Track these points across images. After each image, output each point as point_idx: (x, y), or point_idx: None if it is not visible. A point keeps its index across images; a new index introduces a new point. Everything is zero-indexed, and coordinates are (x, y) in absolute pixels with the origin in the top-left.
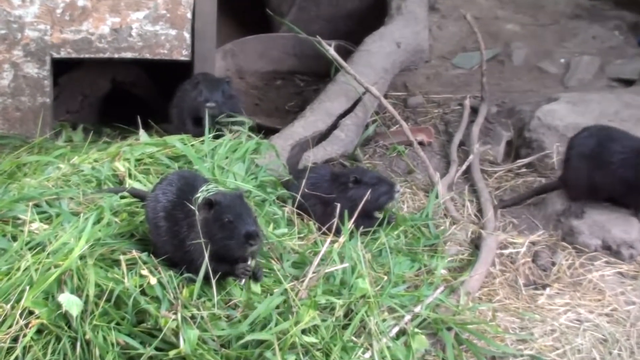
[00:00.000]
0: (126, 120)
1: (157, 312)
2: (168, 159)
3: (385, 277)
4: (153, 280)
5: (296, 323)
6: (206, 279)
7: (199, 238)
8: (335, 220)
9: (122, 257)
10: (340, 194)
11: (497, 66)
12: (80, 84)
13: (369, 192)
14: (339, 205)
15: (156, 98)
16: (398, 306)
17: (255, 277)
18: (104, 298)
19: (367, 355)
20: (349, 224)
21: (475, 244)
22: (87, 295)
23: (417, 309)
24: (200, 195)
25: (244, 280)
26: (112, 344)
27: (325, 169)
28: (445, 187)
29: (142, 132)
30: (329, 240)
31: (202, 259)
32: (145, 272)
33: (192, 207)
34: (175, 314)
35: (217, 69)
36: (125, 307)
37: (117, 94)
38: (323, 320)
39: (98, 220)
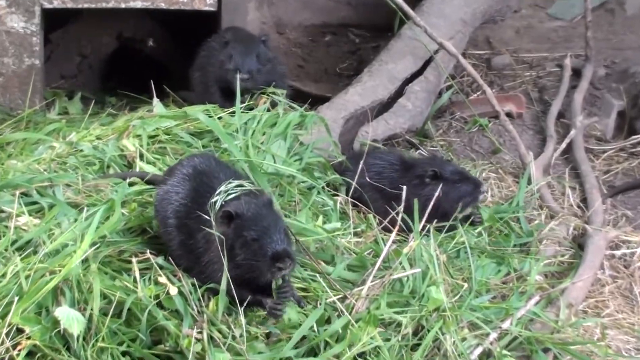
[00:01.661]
0: (136, 87)
1: (178, 330)
2: (189, 136)
3: (465, 285)
4: (173, 290)
5: (351, 345)
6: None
7: (218, 257)
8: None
9: (133, 260)
10: (414, 190)
11: (605, 16)
12: (78, 42)
13: (447, 190)
14: (415, 202)
15: (174, 59)
16: (481, 321)
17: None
18: (112, 312)
19: None
20: (420, 224)
21: (579, 243)
22: (91, 310)
23: (506, 325)
24: (217, 199)
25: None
26: None
27: (394, 155)
28: (540, 171)
29: (156, 101)
30: (392, 236)
31: (222, 280)
32: (162, 279)
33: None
34: (201, 332)
35: (251, 22)
36: (138, 323)
37: (125, 54)
38: (386, 340)
39: (106, 217)
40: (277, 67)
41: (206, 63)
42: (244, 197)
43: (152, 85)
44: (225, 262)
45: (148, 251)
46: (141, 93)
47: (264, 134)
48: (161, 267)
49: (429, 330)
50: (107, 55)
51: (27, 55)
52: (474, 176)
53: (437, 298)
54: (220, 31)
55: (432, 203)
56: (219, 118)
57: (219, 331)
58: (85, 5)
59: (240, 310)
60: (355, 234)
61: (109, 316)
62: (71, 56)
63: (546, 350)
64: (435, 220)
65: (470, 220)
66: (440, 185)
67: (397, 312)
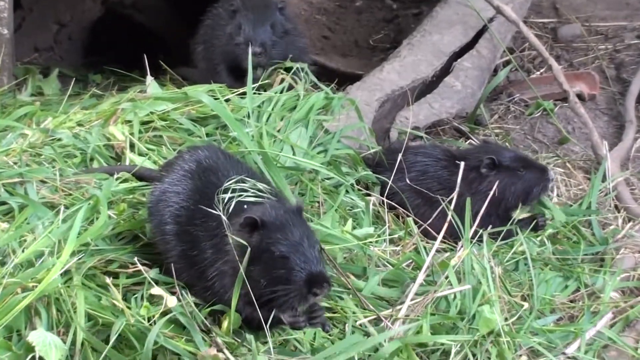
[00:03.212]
0: (126, 63)
1: (189, 352)
2: (190, 122)
3: (525, 304)
4: (171, 301)
5: None
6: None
7: (230, 270)
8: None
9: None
10: (469, 187)
11: None
12: (55, 7)
13: (510, 181)
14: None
15: (172, 29)
16: (544, 347)
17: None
18: (99, 337)
19: None
20: (474, 225)
21: None
22: (74, 334)
23: (571, 350)
24: (228, 196)
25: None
26: None
27: (439, 149)
28: (617, 165)
29: (150, 79)
30: (436, 244)
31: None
32: (156, 290)
33: (219, 218)
34: (221, 351)
35: None
36: (131, 351)
37: (112, 22)
38: None
39: (89, 218)
40: (297, 39)
41: (211, 35)
42: (269, 202)
43: (146, 60)
44: (242, 276)
45: (138, 261)
46: (132, 69)
47: (281, 119)
48: (156, 282)
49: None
50: (91, 23)
51: None
52: (537, 161)
53: (491, 319)
54: None
55: (489, 196)
56: (227, 100)
57: (236, 354)
58: None
59: (268, 332)
60: (392, 242)
61: (95, 341)
62: (47, 24)
63: None
64: (493, 221)
65: (533, 224)
66: (501, 176)
67: (443, 337)
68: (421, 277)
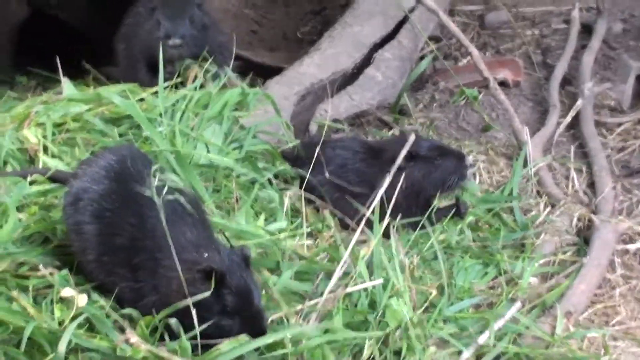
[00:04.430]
0: (53, 64)
1: (105, 345)
2: (103, 123)
3: (434, 292)
4: (82, 300)
5: None
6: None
7: (164, 298)
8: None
9: (44, 273)
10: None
11: None
12: None
13: (428, 171)
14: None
15: (97, 28)
16: (456, 337)
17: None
18: (10, 342)
19: None
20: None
21: (584, 237)
22: None
23: (483, 339)
24: (154, 189)
25: None
26: None
27: (356, 141)
28: (539, 149)
29: (65, 81)
30: (355, 237)
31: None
32: (68, 291)
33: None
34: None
35: None
36: (43, 356)
37: (38, 23)
38: None
39: None
40: (216, 34)
41: (132, 33)
42: (224, 251)
43: (58, 61)
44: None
45: (50, 264)
46: (58, 70)
47: (195, 115)
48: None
49: (390, 353)
50: (17, 24)
51: None
52: (455, 149)
53: (398, 311)
54: None
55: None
56: (141, 100)
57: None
58: None
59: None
60: (310, 235)
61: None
62: None
63: None
64: (414, 212)
65: (454, 211)
66: (418, 166)
67: (353, 333)
68: (339, 271)
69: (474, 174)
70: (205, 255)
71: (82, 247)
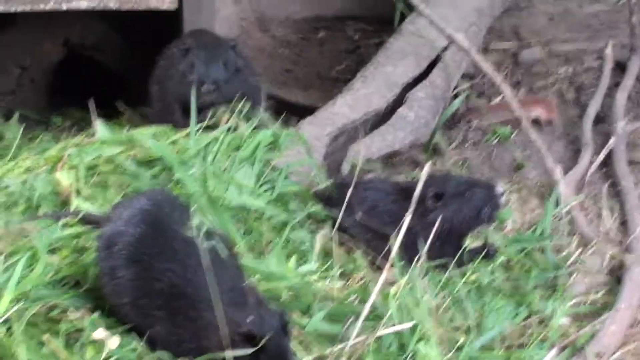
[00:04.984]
0: (87, 103)
1: None
2: (136, 165)
3: (462, 338)
4: (114, 342)
5: None
6: None
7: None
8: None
9: (72, 317)
10: (420, 220)
11: None
12: (16, 51)
13: (458, 207)
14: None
15: (132, 69)
16: None
17: None
18: None
19: None
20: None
21: (617, 276)
22: None
23: None
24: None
25: None
26: None
27: (387, 183)
28: (572, 188)
29: (98, 123)
30: (381, 279)
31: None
32: (100, 333)
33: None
34: None
35: (226, 19)
36: None
37: (74, 64)
38: None
39: (29, 265)
40: (250, 77)
41: (165, 75)
42: (267, 313)
43: (92, 104)
44: None
45: (82, 306)
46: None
47: (228, 157)
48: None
49: None
50: (52, 65)
51: None
52: (483, 180)
53: (427, 356)
54: (182, 36)
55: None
56: (174, 142)
57: None
58: (20, 9)
59: None
60: (343, 276)
61: None
62: (8, 68)
63: None
64: (447, 252)
65: (485, 252)
66: (448, 205)
67: None
68: (363, 316)
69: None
70: (250, 318)
71: (117, 290)
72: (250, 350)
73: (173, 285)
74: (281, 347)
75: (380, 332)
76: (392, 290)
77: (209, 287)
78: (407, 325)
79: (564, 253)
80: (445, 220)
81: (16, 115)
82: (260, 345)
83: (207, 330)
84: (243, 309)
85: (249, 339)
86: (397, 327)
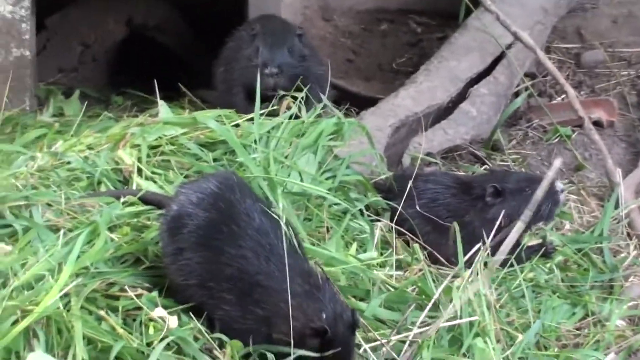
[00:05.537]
0: (149, 84)
1: None
2: (198, 147)
3: (520, 336)
4: (173, 322)
5: None
6: None
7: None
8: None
9: (129, 291)
10: (478, 216)
11: None
12: (79, 29)
13: (518, 204)
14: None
15: (195, 51)
16: None
17: None
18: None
19: None
20: (485, 249)
21: None
22: (74, 357)
23: None
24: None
25: None
26: None
27: (449, 176)
28: (631, 191)
29: (161, 104)
30: (447, 279)
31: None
32: (159, 312)
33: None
34: None
35: (290, 6)
36: None
37: (136, 44)
38: None
39: (89, 241)
40: (314, 66)
41: (232, 57)
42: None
43: (156, 84)
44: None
45: (139, 285)
46: (154, 91)
47: (290, 144)
48: (155, 305)
49: None
50: (115, 44)
51: (15, 44)
52: (542, 176)
53: (486, 352)
54: (247, 21)
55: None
56: (237, 126)
57: None
58: None
59: None
60: (399, 267)
61: None
62: (71, 46)
63: None
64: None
65: (543, 250)
66: (508, 201)
67: None
68: (428, 307)
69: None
70: (323, 314)
71: (184, 271)
72: (316, 347)
73: (244, 271)
74: (348, 347)
75: (444, 324)
76: (456, 282)
77: (282, 277)
78: (471, 319)
79: (622, 255)
80: (504, 216)
81: (77, 93)
82: (329, 342)
83: (278, 320)
84: (317, 302)
85: (321, 334)
86: (463, 320)
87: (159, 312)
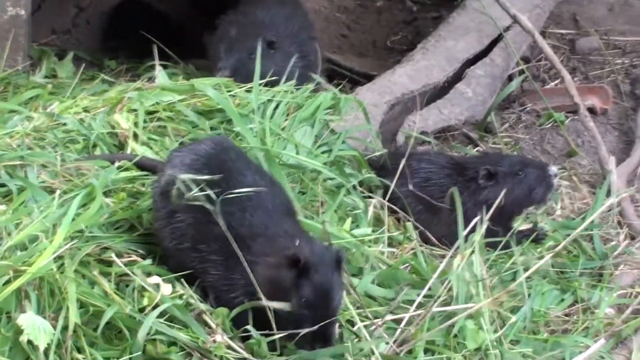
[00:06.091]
0: (142, 50)
1: (187, 336)
2: (195, 115)
3: (512, 318)
4: (167, 289)
5: None
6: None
7: (245, 293)
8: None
9: (117, 260)
10: (471, 197)
11: None
12: None
13: (511, 187)
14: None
15: (190, 18)
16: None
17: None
18: (89, 325)
19: None
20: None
21: None
22: (65, 319)
23: None
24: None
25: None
26: None
27: (443, 157)
28: (623, 179)
29: (159, 69)
30: (442, 265)
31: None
32: (154, 279)
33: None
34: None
35: None
36: (121, 342)
37: (131, 8)
38: None
39: (84, 204)
40: (308, 39)
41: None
42: (317, 244)
43: (156, 50)
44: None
45: (133, 251)
46: (147, 58)
47: (286, 116)
48: (149, 274)
49: None
50: (110, 8)
51: (11, 3)
52: (536, 160)
53: (478, 333)
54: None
55: (495, 205)
56: (234, 95)
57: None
58: None
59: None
60: (390, 245)
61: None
62: (66, 7)
63: None
64: (498, 232)
65: (533, 235)
66: (500, 184)
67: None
68: (424, 291)
69: (555, 200)
70: (297, 242)
71: (176, 234)
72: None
73: (230, 227)
74: (330, 283)
75: (439, 308)
76: (455, 262)
77: (266, 226)
78: (469, 305)
79: (612, 243)
80: (496, 199)
81: (70, 55)
82: (306, 272)
83: (254, 265)
84: (295, 240)
85: (294, 262)
86: (459, 306)
87: (154, 279)
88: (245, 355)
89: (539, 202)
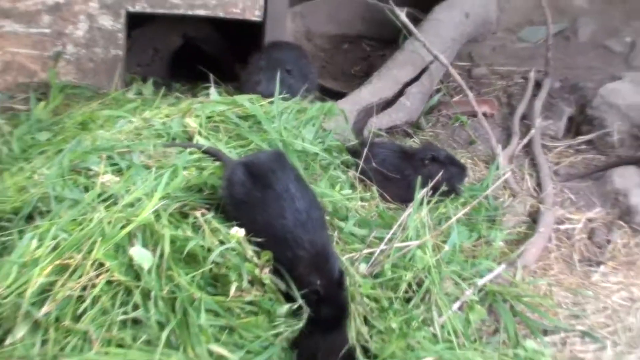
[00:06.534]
0: (195, 77)
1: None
2: (238, 118)
3: (446, 247)
4: (241, 232)
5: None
6: None
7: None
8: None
9: (197, 214)
10: (415, 170)
11: (562, 41)
12: (152, 38)
13: (442, 171)
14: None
15: (226, 56)
16: (460, 278)
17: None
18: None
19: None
20: (422, 193)
21: (533, 218)
22: (161, 249)
23: (482, 282)
24: None
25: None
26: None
27: (395, 145)
28: (506, 160)
29: (213, 89)
30: (409, 209)
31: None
32: (235, 230)
33: None
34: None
35: (287, 30)
36: (198, 264)
37: (188, 50)
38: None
39: (171, 177)
40: (311, 72)
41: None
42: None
43: (211, 77)
44: None
45: (202, 206)
46: (198, 82)
47: (296, 119)
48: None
49: (419, 286)
50: (174, 50)
51: (113, 47)
52: (462, 162)
53: (424, 258)
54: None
55: (435, 179)
56: (261, 106)
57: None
58: (161, 11)
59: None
60: (362, 200)
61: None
62: (146, 49)
63: (505, 301)
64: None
65: (454, 193)
66: (436, 167)
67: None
68: (392, 230)
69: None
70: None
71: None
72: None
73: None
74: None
75: (402, 244)
76: (419, 214)
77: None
78: (422, 241)
79: (500, 200)
80: (432, 175)
81: (151, 80)
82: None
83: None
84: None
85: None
86: (414, 243)
87: (235, 229)
88: (282, 287)
89: (455, 185)
